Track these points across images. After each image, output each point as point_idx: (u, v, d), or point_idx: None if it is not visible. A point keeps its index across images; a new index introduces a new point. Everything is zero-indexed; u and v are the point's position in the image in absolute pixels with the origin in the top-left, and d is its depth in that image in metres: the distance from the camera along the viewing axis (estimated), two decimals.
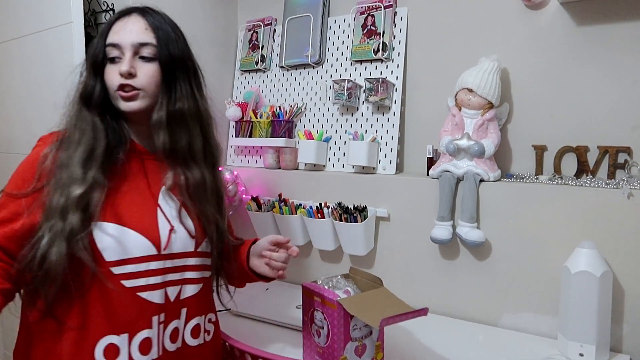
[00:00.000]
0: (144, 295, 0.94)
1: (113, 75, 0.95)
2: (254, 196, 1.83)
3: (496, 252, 1.42)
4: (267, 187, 1.87)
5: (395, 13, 1.70)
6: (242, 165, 2.03)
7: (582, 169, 1.38)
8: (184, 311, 1.01)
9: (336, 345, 1.06)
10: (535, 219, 1.36)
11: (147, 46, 0.96)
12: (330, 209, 1.63)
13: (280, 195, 1.79)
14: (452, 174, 1.45)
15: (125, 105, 0.96)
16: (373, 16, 1.72)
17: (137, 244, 0.93)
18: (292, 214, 1.71)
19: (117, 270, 0.91)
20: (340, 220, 1.58)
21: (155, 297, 0.96)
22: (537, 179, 1.41)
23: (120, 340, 0.92)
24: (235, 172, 1.89)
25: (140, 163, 1.01)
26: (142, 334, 0.94)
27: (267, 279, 1.13)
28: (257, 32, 2.02)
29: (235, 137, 2.00)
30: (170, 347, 0.99)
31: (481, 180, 1.43)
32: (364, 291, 1.17)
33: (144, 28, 0.96)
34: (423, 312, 1.03)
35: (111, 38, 0.96)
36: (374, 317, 1.00)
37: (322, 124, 1.84)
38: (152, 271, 0.95)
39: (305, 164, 1.83)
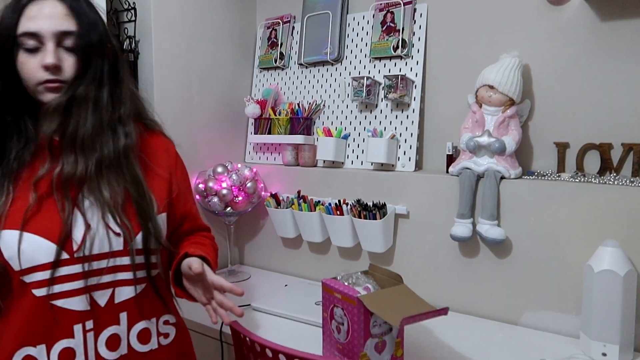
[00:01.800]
0: (59, 303, 0.87)
1: (33, 69, 0.87)
2: (273, 193, 1.84)
3: (517, 250, 1.41)
4: (285, 184, 1.88)
5: (415, 9, 1.69)
6: (261, 162, 2.04)
7: (606, 167, 1.36)
8: (123, 316, 0.94)
9: (356, 342, 1.07)
10: (557, 217, 1.34)
11: (70, 35, 0.88)
12: (349, 206, 1.63)
13: (299, 192, 1.79)
14: (473, 171, 1.44)
15: (49, 97, 0.89)
16: (392, 13, 1.71)
17: (41, 249, 0.85)
18: (311, 211, 1.72)
19: (27, 279, 0.85)
20: (359, 217, 1.58)
21: (75, 304, 0.88)
22: (559, 176, 1.40)
23: (37, 351, 0.87)
24: (254, 169, 1.90)
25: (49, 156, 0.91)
26: (62, 344, 0.88)
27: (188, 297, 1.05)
28: (275, 30, 2.03)
29: (254, 134, 2.01)
30: (110, 355, 0.92)
31: (502, 178, 1.42)
32: (383, 288, 1.17)
33: (64, 14, 0.88)
34: (443, 311, 1.03)
35: (26, 25, 0.87)
36: (394, 316, 1.00)
37: (341, 121, 1.84)
38: (67, 277, 0.87)
39: (324, 161, 1.83)
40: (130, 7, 1.72)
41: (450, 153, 1.57)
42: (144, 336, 0.97)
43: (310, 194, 1.78)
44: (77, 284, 0.88)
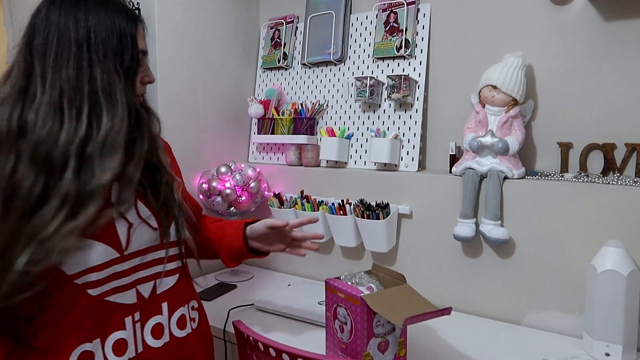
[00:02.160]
0: (112, 298, 0.91)
1: (141, 82, 0.99)
2: (276, 193, 1.84)
3: (520, 250, 1.41)
4: (289, 184, 1.89)
5: (418, 10, 1.69)
6: (264, 162, 2.04)
7: (609, 167, 1.36)
8: (164, 305, 1.00)
9: (359, 341, 1.07)
10: (560, 217, 1.34)
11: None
12: (352, 205, 1.64)
13: (302, 192, 1.80)
14: (476, 171, 1.44)
15: None
16: (395, 13, 1.71)
17: (93, 251, 0.88)
18: (314, 211, 1.72)
19: (80, 281, 0.87)
20: (363, 217, 1.59)
21: (125, 298, 0.93)
22: (562, 176, 1.40)
23: (92, 346, 0.89)
24: (258, 169, 1.91)
25: None
26: (114, 336, 0.92)
27: (260, 255, 1.24)
28: (279, 30, 2.03)
29: (258, 134, 2.02)
30: (156, 343, 0.97)
31: (505, 178, 1.42)
32: (387, 288, 1.18)
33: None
34: (446, 311, 1.03)
35: (142, 45, 0.97)
36: (397, 315, 1.00)
37: (344, 121, 1.84)
38: (118, 274, 0.92)
39: (327, 161, 1.83)
40: (134, 8, 1.73)
41: (454, 153, 1.57)
42: (181, 322, 1.03)
43: (313, 193, 1.79)
44: (126, 280, 0.94)
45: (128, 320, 0.94)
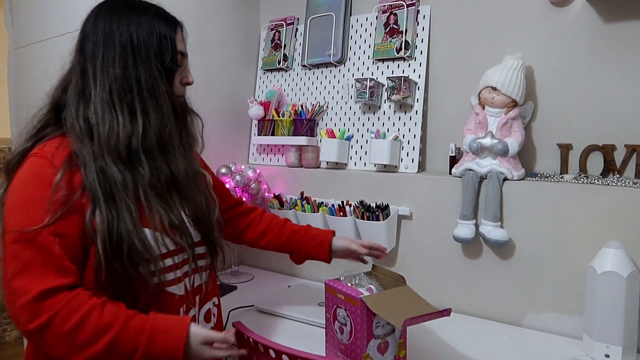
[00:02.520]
0: (170, 289, 0.98)
1: (177, 84, 1.04)
2: (276, 194, 1.84)
3: (520, 251, 1.41)
4: (289, 185, 1.89)
5: (418, 11, 1.69)
6: (264, 163, 2.04)
7: (609, 168, 1.36)
8: (197, 299, 1.06)
9: (359, 342, 1.07)
10: (560, 218, 1.34)
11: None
12: (352, 207, 1.64)
13: (302, 194, 1.80)
14: (476, 172, 1.44)
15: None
16: (395, 14, 1.72)
17: (156, 241, 0.95)
18: (314, 212, 1.72)
19: (143, 269, 0.92)
20: (362, 218, 1.59)
21: (178, 289, 1.00)
22: (562, 177, 1.40)
23: None
24: (258, 171, 1.91)
25: None
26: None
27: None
28: (279, 32, 2.04)
29: (258, 135, 2.02)
30: None
31: (505, 179, 1.42)
32: (386, 289, 1.18)
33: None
34: (446, 312, 1.03)
35: (180, 47, 1.03)
36: (397, 317, 1.00)
37: (344, 122, 1.84)
38: (172, 266, 0.98)
39: (327, 163, 1.84)
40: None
41: (453, 154, 1.58)
42: (207, 316, 1.09)
43: (313, 195, 1.79)
44: (178, 272, 1.00)
45: (180, 311, 1.01)
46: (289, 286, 1.72)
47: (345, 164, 1.82)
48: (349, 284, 1.16)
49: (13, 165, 0.94)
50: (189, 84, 1.08)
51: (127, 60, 0.95)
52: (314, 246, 1.34)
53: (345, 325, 1.11)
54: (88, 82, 0.95)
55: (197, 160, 1.12)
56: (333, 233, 1.37)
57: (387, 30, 1.73)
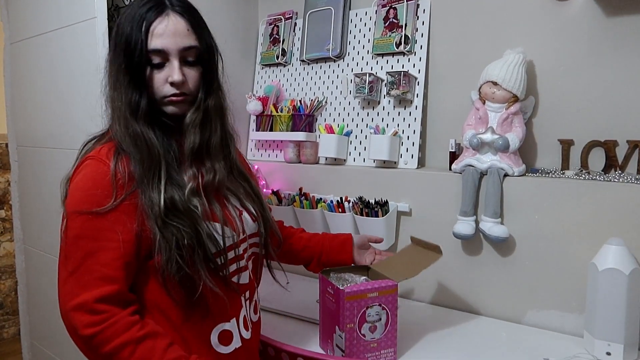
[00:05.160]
0: (236, 279, 1.00)
1: (160, 83, 0.94)
2: (275, 190, 1.83)
3: (520, 248, 1.40)
4: (287, 181, 1.87)
5: (418, 5, 1.67)
6: (262, 159, 2.03)
7: (611, 164, 1.35)
8: (251, 288, 1.07)
9: (392, 328, 1.14)
10: (561, 214, 1.33)
11: (192, 50, 0.95)
12: (351, 203, 1.63)
13: (300, 189, 1.79)
14: (476, 168, 1.43)
15: (172, 109, 0.96)
16: (395, 9, 1.70)
17: (225, 234, 0.97)
18: (313, 208, 1.71)
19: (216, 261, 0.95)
20: (361, 214, 1.57)
21: (244, 278, 1.03)
22: (563, 174, 1.38)
23: (230, 325, 0.99)
24: (256, 166, 1.90)
25: None
26: (242, 313, 1.02)
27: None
28: (277, 26, 2.02)
29: (256, 131, 2.00)
30: (254, 318, 1.08)
31: (505, 175, 1.41)
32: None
33: (186, 29, 0.94)
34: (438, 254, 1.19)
35: (154, 43, 0.91)
36: (398, 273, 1.16)
37: (343, 117, 1.83)
38: (239, 256, 1.01)
39: (326, 158, 1.82)
40: (131, 3, 1.71)
41: (453, 150, 1.56)
42: (255, 307, 1.10)
43: (312, 191, 1.78)
44: (242, 262, 1.02)
45: (243, 299, 1.03)
46: (287, 282, 1.70)
47: (344, 160, 1.81)
48: (346, 284, 1.15)
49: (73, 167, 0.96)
50: (173, 83, 0.93)
51: (112, 57, 0.95)
52: (336, 245, 1.30)
53: (380, 319, 1.12)
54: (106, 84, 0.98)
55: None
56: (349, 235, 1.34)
57: (386, 24, 1.72)
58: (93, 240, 0.87)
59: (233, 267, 0.99)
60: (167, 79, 0.93)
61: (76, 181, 0.91)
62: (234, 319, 1.00)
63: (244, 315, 1.03)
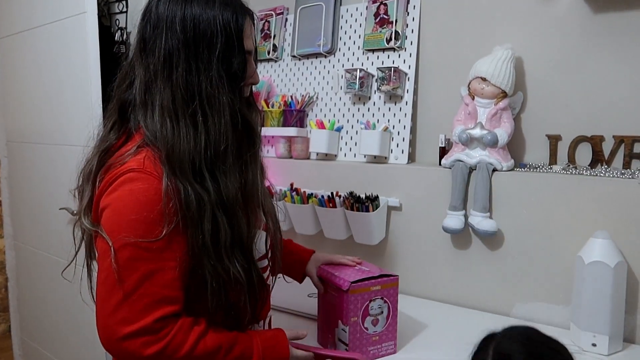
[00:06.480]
0: (269, 281, 1.04)
1: (245, 85, 0.95)
2: (266, 185, 1.83)
3: (508, 242, 1.42)
4: (278, 177, 1.88)
5: (408, 2, 1.68)
6: None
7: (597, 159, 1.37)
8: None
9: (393, 320, 1.15)
10: (548, 209, 1.35)
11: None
12: (341, 198, 1.63)
13: (291, 185, 1.79)
14: (465, 163, 1.44)
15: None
16: (386, 5, 1.70)
17: (261, 239, 1.00)
18: (304, 204, 1.71)
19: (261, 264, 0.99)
20: (352, 209, 1.58)
21: (270, 281, 1.06)
22: (550, 168, 1.40)
23: (259, 325, 1.03)
24: None
25: None
26: (269, 314, 1.08)
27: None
28: (268, 22, 2.02)
29: None
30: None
31: (494, 170, 1.42)
32: None
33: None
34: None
35: (248, 45, 0.91)
36: None
37: (334, 113, 1.83)
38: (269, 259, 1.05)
39: (317, 154, 1.83)
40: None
41: (443, 145, 1.57)
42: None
43: (303, 186, 1.78)
44: (265, 261, 1.03)
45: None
46: (279, 277, 1.71)
47: (335, 155, 1.81)
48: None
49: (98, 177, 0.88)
50: (254, 84, 0.97)
51: (189, 66, 0.85)
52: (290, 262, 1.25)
53: (382, 312, 1.14)
54: (151, 84, 0.86)
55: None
56: (312, 252, 1.27)
57: (377, 20, 1.72)
58: (151, 261, 0.80)
59: (267, 273, 1.03)
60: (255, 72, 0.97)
61: (121, 199, 0.82)
62: (262, 321, 1.04)
63: (270, 316, 1.08)
